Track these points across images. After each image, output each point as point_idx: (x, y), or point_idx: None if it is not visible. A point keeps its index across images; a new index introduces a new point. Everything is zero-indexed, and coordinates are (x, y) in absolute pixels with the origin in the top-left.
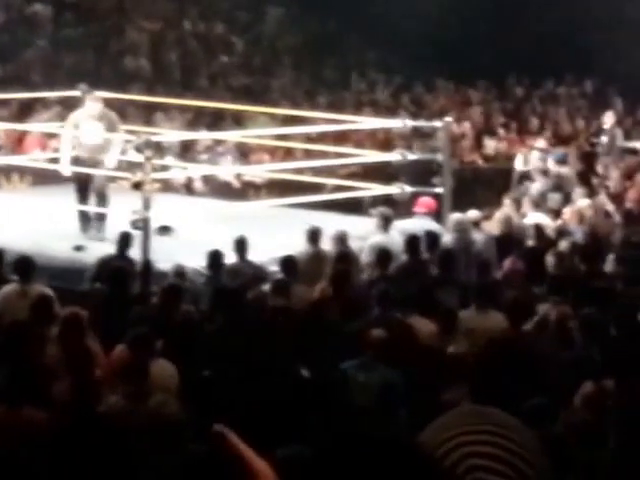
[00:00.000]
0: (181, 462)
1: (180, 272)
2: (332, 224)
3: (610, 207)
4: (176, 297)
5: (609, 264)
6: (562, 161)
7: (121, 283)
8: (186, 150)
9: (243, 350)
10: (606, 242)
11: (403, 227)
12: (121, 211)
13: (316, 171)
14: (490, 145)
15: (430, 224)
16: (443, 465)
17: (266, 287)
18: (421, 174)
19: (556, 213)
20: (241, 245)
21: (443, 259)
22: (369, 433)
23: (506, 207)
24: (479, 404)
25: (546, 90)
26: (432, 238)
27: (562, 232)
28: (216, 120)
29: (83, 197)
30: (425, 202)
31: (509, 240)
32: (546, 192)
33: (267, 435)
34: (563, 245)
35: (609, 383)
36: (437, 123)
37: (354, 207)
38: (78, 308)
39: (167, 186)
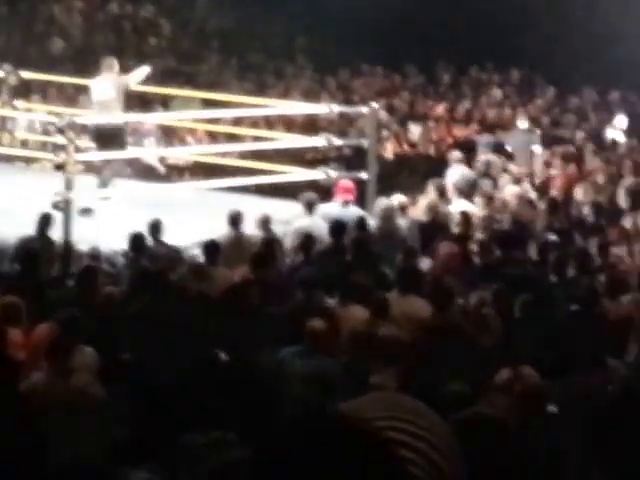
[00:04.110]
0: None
1: (96, 254)
2: (256, 208)
3: (533, 195)
4: (92, 279)
5: (532, 251)
6: (490, 148)
7: (32, 264)
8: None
9: (163, 333)
10: (529, 230)
11: (326, 212)
12: (43, 192)
13: (241, 155)
14: (415, 131)
15: (353, 209)
16: (377, 437)
17: (185, 270)
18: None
19: (484, 200)
20: (155, 228)
21: (357, 244)
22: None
23: (431, 194)
24: (405, 389)
25: (472, 77)
26: (360, 223)
27: (486, 219)
28: (143, 102)
29: None
30: (346, 186)
31: (434, 226)
32: (473, 179)
33: (185, 418)
34: (485, 232)
35: (526, 370)
36: (363, 109)
37: (279, 191)
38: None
39: (90, 168)
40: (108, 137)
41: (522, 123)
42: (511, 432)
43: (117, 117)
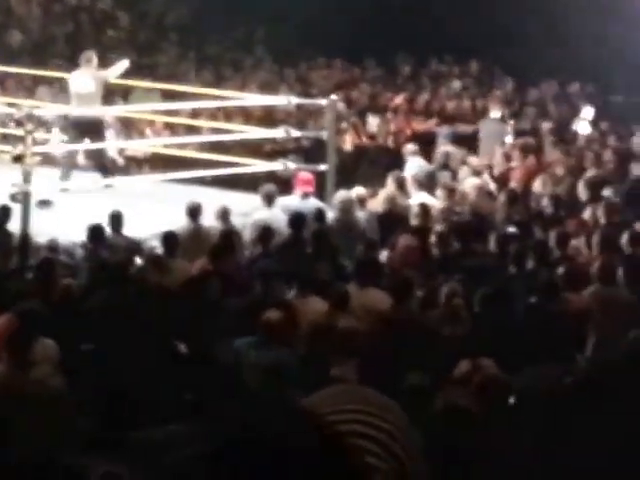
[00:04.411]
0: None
1: (54, 246)
2: (215, 200)
3: (493, 187)
4: (50, 271)
5: (491, 243)
6: (449, 140)
7: None
8: None
9: (122, 325)
10: (488, 221)
11: (286, 204)
12: (0, 184)
13: (201, 147)
14: (374, 123)
15: (312, 201)
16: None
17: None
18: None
19: (444, 192)
20: (116, 219)
21: (317, 236)
22: (261, 404)
23: (390, 186)
24: (366, 381)
25: (431, 69)
26: (318, 215)
27: (445, 211)
28: (103, 95)
29: None
30: (305, 178)
31: (392, 219)
32: (433, 171)
33: (146, 410)
34: (444, 224)
35: (485, 362)
36: (322, 101)
37: (238, 183)
38: None
39: (49, 160)
40: (86, 128)
41: (494, 113)
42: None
43: (74, 110)
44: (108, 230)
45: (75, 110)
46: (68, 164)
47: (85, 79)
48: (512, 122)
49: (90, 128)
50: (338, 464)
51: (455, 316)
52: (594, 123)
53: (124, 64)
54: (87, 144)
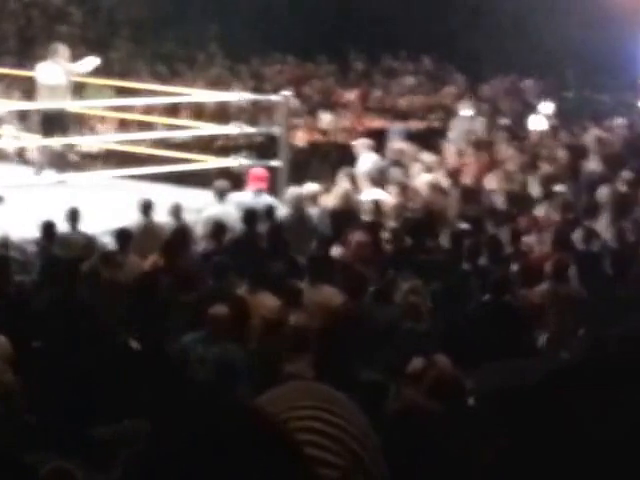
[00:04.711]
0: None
1: (4, 243)
2: (168, 196)
3: (445, 183)
4: (2, 268)
5: (444, 239)
6: (402, 136)
7: None
8: (24, 120)
9: (74, 321)
10: (440, 218)
11: (238, 200)
12: None
13: (154, 143)
14: (326, 119)
15: (265, 197)
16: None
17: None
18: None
19: (397, 188)
20: (73, 216)
21: (273, 232)
22: (208, 402)
23: (342, 182)
24: (321, 377)
25: (384, 66)
26: (268, 211)
27: (398, 208)
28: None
29: None
30: (258, 174)
31: (345, 215)
32: (385, 168)
33: (97, 406)
34: (397, 221)
35: (440, 358)
36: (275, 97)
37: (191, 179)
38: None
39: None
40: (53, 122)
41: (465, 110)
42: (429, 422)
43: (24, 105)
44: (66, 226)
45: (26, 105)
46: (42, 160)
47: (55, 70)
48: (482, 119)
49: (56, 122)
50: (286, 461)
51: (415, 312)
52: (551, 118)
53: (95, 61)
54: (39, 140)
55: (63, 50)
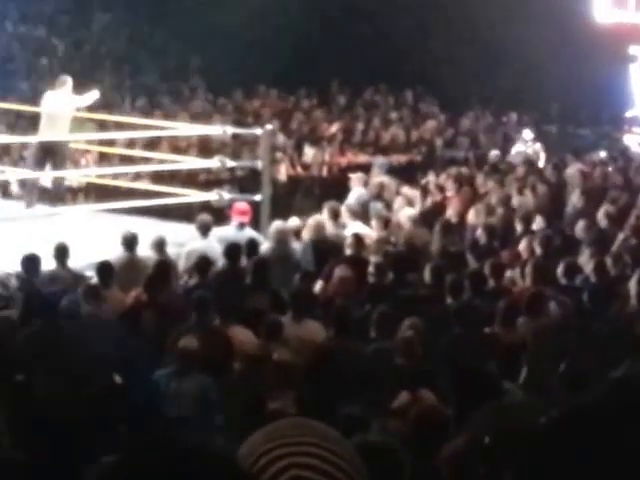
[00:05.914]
0: None
1: None
2: (151, 230)
3: (428, 217)
4: None
5: (426, 274)
6: (384, 170)
7: None
8: (6, 153)
9: (55, 356)
10: (422, 252)
11: (221, 234)
12: None
13: (136, 176)
14: (309, 153)
15: (248, 231)
16: (258, 478)
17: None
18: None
19: (379, 222)
20: (61, 252)
21: (257, 267)
22: (178, 444)
23: (322, 214)
24: (305, 413)
25: (365, 99)
26: (251, 246)
27: (380, 242)
28: (37, 123)
29: None
30: (241, 209)
31: (325, 248)
32: (367, 201)
33: (80, 442)
34: (378, 255)
35: (424, 393)
36: (258, 131)
37: (173, 213)
38: None
39: None
40: (51, 152)
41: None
42: (401, 460)
43: (9, 138)
44: (53, 263)
45: (7, 139)
46: (32, 191)
47: (62, 100)
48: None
49: (54, 152)
50: None
51: (408, 349)
52: (533, 151)
53: (95, 94)
54: (21, 173)
55: (70, 83)
